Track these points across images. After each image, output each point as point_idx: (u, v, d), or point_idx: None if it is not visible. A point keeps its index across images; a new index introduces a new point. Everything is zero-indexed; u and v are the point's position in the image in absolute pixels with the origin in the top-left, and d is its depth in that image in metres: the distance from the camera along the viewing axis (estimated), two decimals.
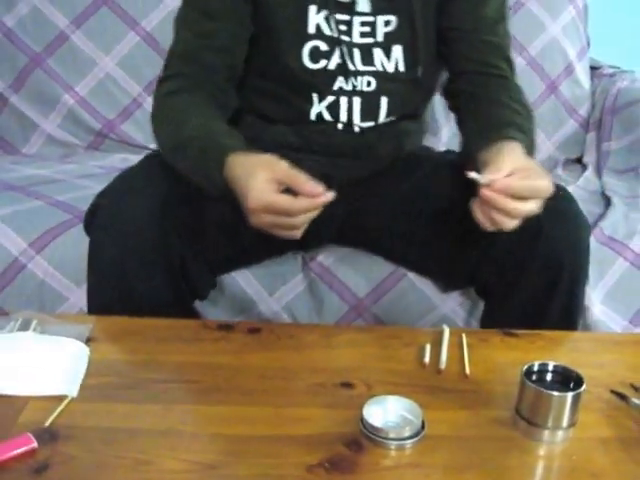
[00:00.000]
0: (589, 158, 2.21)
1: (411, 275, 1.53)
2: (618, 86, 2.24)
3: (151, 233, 1.19)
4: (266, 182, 1.05)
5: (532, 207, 1.10)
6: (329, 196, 1.05)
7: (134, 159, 1.93)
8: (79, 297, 1.47)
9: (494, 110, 1.34)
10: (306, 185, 1.04)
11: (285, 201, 1.04)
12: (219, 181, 1.14)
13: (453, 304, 1.54)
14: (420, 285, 1.53)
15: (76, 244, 1.46)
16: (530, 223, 1.19)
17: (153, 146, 1.99)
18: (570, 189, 1.89)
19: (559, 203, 1.26)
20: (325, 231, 1.42)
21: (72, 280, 1.48)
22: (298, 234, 1.10)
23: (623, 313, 1.65)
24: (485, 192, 1.07)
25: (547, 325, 1.28)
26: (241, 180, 1.08)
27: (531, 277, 1.30)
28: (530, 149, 1.24)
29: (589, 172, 2.11)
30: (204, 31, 1.33)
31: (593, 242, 1.62)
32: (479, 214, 1.10)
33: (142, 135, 2.06)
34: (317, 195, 1.04)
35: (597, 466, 0.89)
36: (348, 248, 1.54)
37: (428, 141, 1.78)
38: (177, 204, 1.22)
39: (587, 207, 1.78)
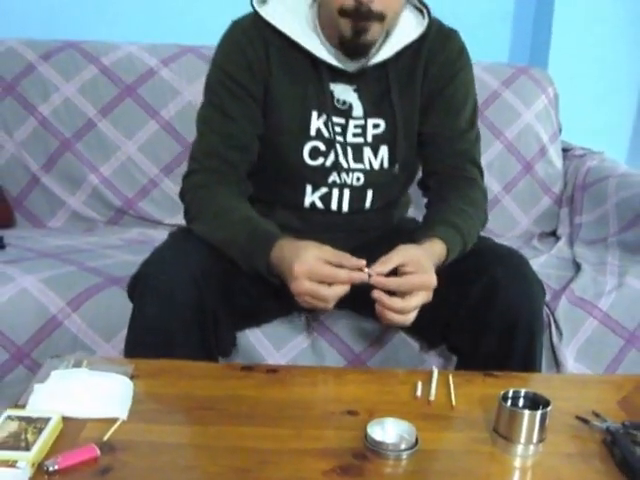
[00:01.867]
0: (563, 230, 2.37)
1: (402, 333, 1.66)
2: (588, 165, 2.41)
3: (190, 297, 1.34)
4: (315, 254, 1.27)
5: (417, 301, 1.30)
6: (364, 275, 1.27)
7: (150, 233, 2.13)
8: (106, 351, 1.63)
9: (440, 208, 1.54)
10: (352, 259, 1.27)
11: (329, 269, 1.26)
12: (263, 263, 1.33)
13: (440, 359, 1.66)
14: (410, 341, 1.66)
15: (107, 304, 1.64)
16: (488, 286, 1.40)
17: (167, 221, 2.20)
18: (544, 257, 2.09)
19: (513, 265, 1.44)
20: None
21: (101, 336, 1.63)
22: (330, 306, 1.29)
23: (594, 369, 1.79)
24: (374, 294, 1.29)
25: None
26: (291, 255, 1.28)
27: (491, 333, 1.43)
28: (458, 242, 1.43)
29: (562, 242, 2.27)
30: (226, 132, 1.51)
31: (565, 302, 1.79)
32: (377, 313, 1.33)
33: (157, 212, 2.25)
34: (361, 266, 1.26)
35: (562, 474, 1.06)
36: (345, 310, 1.67)
37: (416, 211, 1.95)
38: (211, 271, 1.38)
39: (559, 272, 1.96)
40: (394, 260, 1.30)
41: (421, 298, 1.30)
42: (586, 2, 2.64)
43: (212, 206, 1.46)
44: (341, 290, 1.28)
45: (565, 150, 2.54)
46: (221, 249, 1.41)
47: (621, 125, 2.84)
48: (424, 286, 1.31)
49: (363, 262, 1.28)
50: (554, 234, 2.44)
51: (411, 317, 1.31)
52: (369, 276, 1.28)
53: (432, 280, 1.31)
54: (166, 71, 2.28)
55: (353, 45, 1.44)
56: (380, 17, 1.39)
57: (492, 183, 2.38)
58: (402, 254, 1.31)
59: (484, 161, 2.33)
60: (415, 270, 1.30)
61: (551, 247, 2.25)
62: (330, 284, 1.27)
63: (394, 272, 1.31)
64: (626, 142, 2.87)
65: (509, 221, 2.41)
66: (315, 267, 1.26)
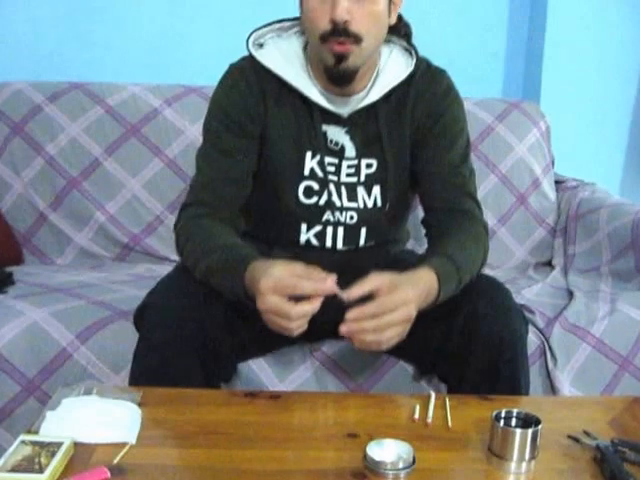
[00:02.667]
0: (557, 260, 2.42)
1: (402, 363, 1.70)
2: (580, 197, 2.47)
3: (192, 325, 1.39)
4: (283, 268, 1.27)
5: (394, 317, 1.26)
6: (331, 285, 1.26)
7: (156, 268, 2.18)
8: (115, 383, 1.66)
9: (438, 242, 1.55)
10: (321, 272, 1.27)
11: (293, 280, 1.25)
12: (239, 285, 1.35)
13: (440, 388, 1.65)
14: (410, 371, 1.70)
15: (115, 337, 1.68)
16: (469, 318, 1.43)
17: (174, 257, 2.25)
18: (538, 286, 2.14)
19: (494, 297, 1.48)
20: (324, 326, 1.62)
21: (110, 368, 1.67)
22: (293, 327, 1.26)
23: (590, 393, 1.82)
24: (342, 329, 1.26)
25: None
26: (260, 272, 1.29)
27: (475, 365, 1.45)
28: (451, 271, 1.41)
29: (556, 272, 2.33)
30: (222, 166, 1.57)
31: (558, 329, 1.83)
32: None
33: (163, 248, 2.30)
34: (325, 279, 1.26)
35: None
36: (346, 340, 1.73)
37: (416, 246, 2.03)
38: (212, 301, 1.43)
39: (553, 300, 2.01)
40: (365, 286, 1.29)
41: (398, 315, 1.27)
42: (575, 37, 2.72)
43: (199, 237, 1.50)
44: (307, 308, 1.25)
45: (558, 182, 2.59)
46: (205, 279, 1.43)
47: (614, 156, 2.90)
48: (399, 302, 1.27)
49: (333, 276, 1.27)
50: (550, 264, 2.47)
51: (389, 334, 1.28)
52: (346, 303, 1.27)
53: (405, 295, 1.28)
54: (169, 111, 2.36)
55: (336, 72, 1.48)
56: (357, 39, 1.44)
57: (487, 216, 2.32)
58: (374, 280, 1.30)
59: (479, 194, 2.35)
60: (389, 292, 1.28)
61: (546, 276, 2.30)
62: (297, 301, 1.25)
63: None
64: (619, 173, 2.93)
65: (505, 252, 2.45)
66: (281, 280, 1.25)
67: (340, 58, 1.45)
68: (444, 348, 1.50)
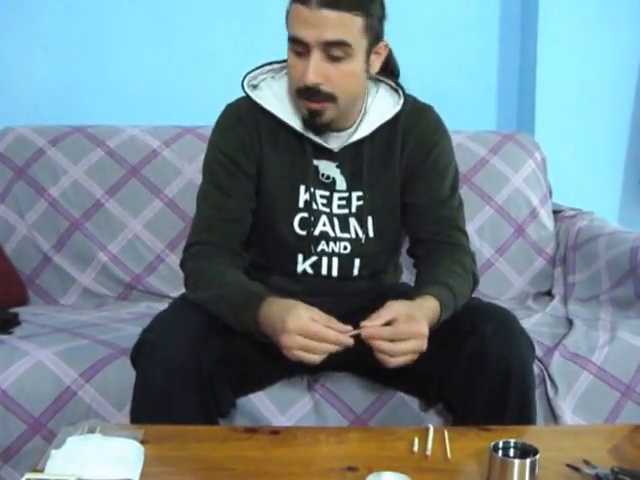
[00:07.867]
0: (557, 290, 2.42)
1: (401, 393, 1.71)
2: (578, 226, 2.47)
3: (188, 361, 1.42)
4: (307, 314, 1.35)
5: (407, 347, 1.37)
6: (350, 340, 1.35)
7: (158, 306, 2.18)
8: (119, 420, 1.68)
9: (432, 270, 1.61)
10: (338, 323, 1.36)
11: (320, 327, 1.34)
12: (251, 321, 1.42)
13: (440, 418, 1.69)
14: (410, 401, 1.71)
15: (118, 375, 1.69)
16: (477, 344, 1.46)
17: (174, 295, 2.27)
18: (537, 316, 2.14)
19: (500, 321, 1.51)
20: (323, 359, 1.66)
21: (114, 405, 1.69)
22: (318, 359, 1.36)
23: (592, 422, 1.83)
24: (363, 335, 1.37)
25: None
26: (282, 311, 1.37)
27: (484, 390, 1.47)
28: (450, 299, 1.50)
29: (556, 301, 2.33)
30: (221, 206, 1.62)
31: (558, 357, 1.84)
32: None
33: (164, 286, 2.33)
34: (347, 331, 1.36)
35: None
36: (345, 372, 1.74)
37: (409, 276, 2.02)
38: (209, 337, 1.46)
39: (552, 329, 2.01)
40: (384, 316, 1.38)
41: (411, 345, 1.37)
42: (567, 67, 2.76)
43: (209, 274, 1.56)
44: (330, 348, 1.36)
45: (556, 212, 2.59)
46: (215, 311, 1.50)
47: (611, 185, 2.92)
48: (414, 334, 1.37)
49: (349, 327, 1.37)
50: (549, 294, 2.47)
51: (399, 360, 1.37)
52: (359, 331, 1.37)
53: (423, 329, 1.38)
54: (168, 151, 2.40)
55: (312, 125, 1.57)
56: (331, 98, 1.51)
57: (484, 247, 2.43)
58: (392, 309, 1.39)
59: (475, 226, 2.41)
60: (406, 322, 1.37)
61: (545, 306, 2.30)
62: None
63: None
64: (617, 201, 2.95)
65: (503, 283, 2.45)
66: (307, 324, 1.34)
67: (314, 114, 1.53)
68: (451, 376, 1.52)
